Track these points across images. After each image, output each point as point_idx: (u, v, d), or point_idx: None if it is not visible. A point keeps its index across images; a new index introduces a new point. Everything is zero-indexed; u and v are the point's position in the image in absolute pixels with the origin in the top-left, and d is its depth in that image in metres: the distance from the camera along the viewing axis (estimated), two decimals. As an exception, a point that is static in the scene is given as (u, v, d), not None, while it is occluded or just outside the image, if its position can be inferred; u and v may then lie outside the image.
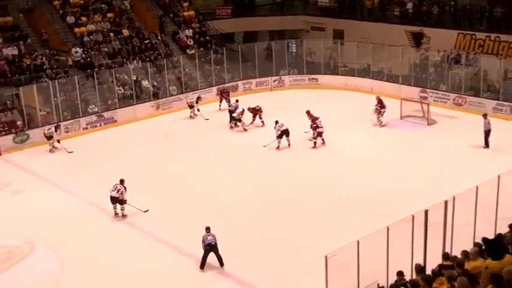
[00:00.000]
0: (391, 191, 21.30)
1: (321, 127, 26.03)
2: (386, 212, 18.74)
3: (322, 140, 26.19)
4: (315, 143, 26.09)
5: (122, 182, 20.23)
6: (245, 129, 28.87)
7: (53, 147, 27.37)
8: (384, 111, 28.69)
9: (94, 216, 20.69)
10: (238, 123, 29.17)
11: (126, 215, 20.26)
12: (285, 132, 26.11)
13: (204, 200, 21.41)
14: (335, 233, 18.02)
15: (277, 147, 26.16)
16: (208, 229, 16.99)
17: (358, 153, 25.24)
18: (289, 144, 26.30)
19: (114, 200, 20.16)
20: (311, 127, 26.56)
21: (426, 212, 13.77)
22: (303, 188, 22.03)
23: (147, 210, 20.46)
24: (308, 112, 27.17)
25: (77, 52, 33.12)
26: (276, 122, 26.38)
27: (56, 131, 27.46)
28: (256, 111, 29.40)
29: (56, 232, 19.57)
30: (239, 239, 18.37)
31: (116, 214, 20.30)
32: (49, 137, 27.26)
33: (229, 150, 26.58)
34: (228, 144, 27.34)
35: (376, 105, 28.83)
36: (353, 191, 21.63)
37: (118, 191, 20.00)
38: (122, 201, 20.16)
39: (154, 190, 22.41)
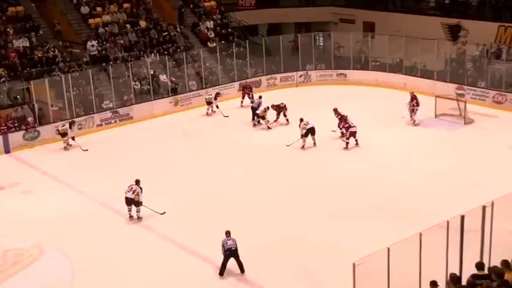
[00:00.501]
0: (425, 195, 21.11)
1: (354, 126, 25.70)
2: (418, 217, 18.58)
3: (356, 140, 25.89)
4: (347, 143, 25.79)
5: (137, 182, 20.22)
6: (269, 127, 28.78)
7: (68, 144, 27.51)
8: (417, 109, 28.44)
9: (107, 219, 20.73)
10: (261, 121, 29.10)
11: (141, 218, 20.25)
12: (311, 131, 25.97)
13: (224, 202, 21.39)
14: (363, 239, 17.89)
15: (302, 147, 26.04)
16: (228, 233, 16.91)
17: (389, 154, 25.06)
18: (314, 144, 26.17)
19: (129, 202, 20.14)
20: (339, 126, 26.39)
21: (462, 217, 13.57)
22: (329, 191, 21.91)
23: (164, 213, 20.45)
24: (335, 110, 27.02)
25: (93, 46, 33.26)
26: (301, 120, 26.24)
27: (70, 127, 27.56)
28: (280, 109, 29.30)
29: (67, 235, 19.60)
30: (261, 244, 18.28)
31: (131, 217, 20.30)
32: (63, 134, 27.39)
33: (251, 149, 26.52)
34: (250, 143, 27.28)
35: (410, 102, 28.55)
36: (383, 194, 21.47)
37: (133, 192, 19.98)
38: (138, 203, 20.14)
39: (171, 191, 22.41)
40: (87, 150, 27.19)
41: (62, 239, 19.27)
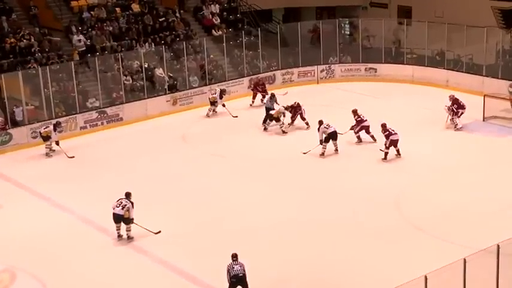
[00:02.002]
0: (470, 213, 21.06)
1: (395, 133, 25.39)
2: (462, 240, 18.57)
3: (397, 151, 25.58)
4: (386, 154, 25.51)
5: (128, 196, 20.24)
6: (284, 132, 28.83)
7: (50, 149, 27.60)
8: (462, 113, 28.34)
9: (92, 239, 20.74)
10: (275, 123, 29.10)
11: (132, 238, 20.29)
12: (332, 136, 25.98)
13: (230, 220, 21.41)
14: (397, 264, 17.91)
15: (322, 154, 26.07)
16: (235, 256, 16.90)
17: (427, 164, 25.03)
18: (336, 150, 26.23)
19: (118, 219, 20.13)
20: (353, 129, 26.31)
21: (515, 240, 13.59)
22: (356, 207, 21.91)
23: (159, 232, 20.47)
24: (355, 112, 27.06)
25: (80, 41, 33.24)
26: (320, 123, 26.23)
27: (54, 130, 27.56)
28: (296, 110, 29.27)
29: (43, 258, 19.61)
30: (273, 270, 18.29)
31: (120, 236, 20.33)
32: (46, 138, 27.46)
33: (262, 157, 26.54)
34: (261, 151, 27.30)
35: (450, 106, 28.39)
36: (419, 212, 21.42)
37: (123, 208, 19.96)
38: (128, 220, 20.14)
39: (168, 207, 22.46)
40: (73, 157, 27.30)
41: (37, 263, 19.27)
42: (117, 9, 35.91)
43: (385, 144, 25.58)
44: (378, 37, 37.42)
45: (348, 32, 40.67)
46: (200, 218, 21.61)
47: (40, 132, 27.83)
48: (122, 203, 19.99)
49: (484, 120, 29.14)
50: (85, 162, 26.90)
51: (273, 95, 30.64)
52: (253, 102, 32.98)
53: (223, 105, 31.52)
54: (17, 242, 20.68)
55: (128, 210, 19.95)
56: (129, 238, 20.29)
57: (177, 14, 37.03)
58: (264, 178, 24.68)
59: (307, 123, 29.10)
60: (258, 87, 33.15)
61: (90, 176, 25.38)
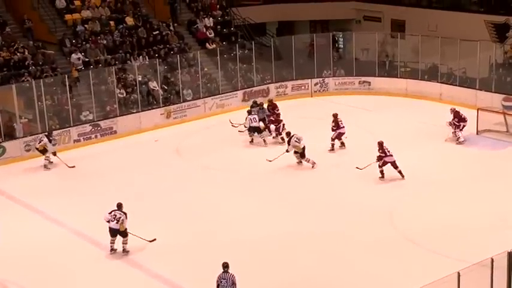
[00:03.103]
0: (464, 227, 21.03)
1: (390, 155, 24.96)
2: (457, 254, 18.58)
3: (399, 172, 25.05)
4: (382, 172, 25.20)
5: (120, 207, 20.06)
6: (265, 142, 29.16)
7: (49, 162, 27.53)
8: (464, 126, 28.28)
9: (85, 252, 20.68)
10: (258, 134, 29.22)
11: (127, 251, 20.19)
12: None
13: (224, 233, 21.36)
14: (391, 278, 17.92)
15: (299, 162, 26.53)
16: (226, 266, 16.60)
17: (421, 178, 25.04)
18: (300, 162, 26.54)
19: (115, 232, 19.95)
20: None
21: (510, 254, 13.58)
22: (350, 221, 21.89)
23: (154, 240, 20.43)
24: (335, 116, 27.67)
25: (79, 59, 33.15)
26: (288, 135, 26.57)
27: (50, 141, 27.43)
28: (279, 122, 29.45)
29: (36, 271, 19.55)
30: (265, 282, 18.29)
31: (113, 250, 20.21)
32: (43, 151, 27.37)
33: (256, 170, 26.52)
34: (255, 163, 27.24)
35: (452, 120, 28.34)
36: (415, 226, 21.42)
37: (118, 221, 19.81)
38: (125, 233, 19.99)
39: (162, 220, 22.41)
40: (73, 166, 27.37)
41: (29, 276, 19.22)
42: (111, 22, 35.94)
43: (379, 164, 25.22)
44: (371, 51, 37.50)
45: (342, 46, 40.75)
46: (193, 231, 21.58)
47: (36, 147, 27.69)
48: (115, 216, 19.82)
49: (477, 133, 29.15)
50: (79, 176, 26.84)
51: (262, 106, 30.68)
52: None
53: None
54: (10, 255, 20.60)
55: (122, 222, 19.83)
56: (125, 251, 20.19)
57: (171, 28, 37.07)
58: (257, 191, 24.68)
59: (282, 138, 28.73)
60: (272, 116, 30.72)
61: (84, 189, 25.32)
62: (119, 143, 30.62)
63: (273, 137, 29.45)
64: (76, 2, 36.18)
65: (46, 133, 28.10)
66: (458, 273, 13.37)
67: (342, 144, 27.97)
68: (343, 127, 27.70)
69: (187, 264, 19.61)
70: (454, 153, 27.69)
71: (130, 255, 20.18)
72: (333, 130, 27.69)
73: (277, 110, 30.34)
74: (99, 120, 31.12)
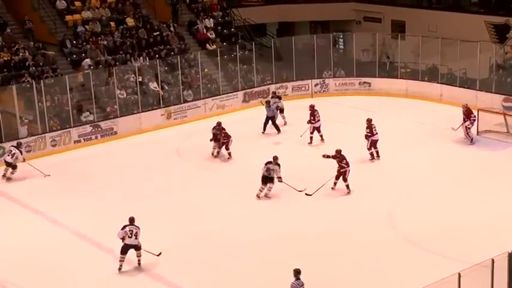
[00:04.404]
0: (464, 228, 21.03)
1: (376, 133, 25.72)
2: (457, 254, 18.57)
3: (377, 152, 25.87)
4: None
5: (132, 221, 19.25)
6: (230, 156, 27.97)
7: (8, 176, 26.56)
8: (474, 120, 28.18)
9: (85, 253, 20.67)
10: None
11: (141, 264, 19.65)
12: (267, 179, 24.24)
13: (223, 234, 21.37)
14: (391, 279, 17.91)
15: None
16: (298, 273, 16.09)
17: (422, 178, 25.01)
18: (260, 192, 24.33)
19: (128, 249, 19.14)
20: (365, 133, 26.19)
21: (510, 255, 13.55)
22: (350, 221, 21.90)
23: (160, 254, 19.86)
24: (369, 121, 26.66)
25: (90, 66, 32.84)
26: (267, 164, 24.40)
27: (21, 153, 26.57)
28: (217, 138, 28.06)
29: (35, 273, 19.52)
30: (265, 283, 18.28)
31: (121, 268, 19.35)
32: (14, 166, 26.46)
33: (256, 171, 26.38)
34: (255, 164, 27.03)
35: (470, 118, 28.13)
36: (415, 226, 21.40)
37: (136, 236, 18.96)
38: (140, 247, 19.33)
39: (162, 221, 22.37)
40: (49, 175, 26.63)
41: (29, 278, 19.19)
42: (111, 23, 35.91)
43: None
44: (371, 51, 37.51)
45: (342, 46, 40.74)
46: (193, 232, 21.55)
47: (8, 161, 26.42)
48: (132, 231, 18.97)
49: (478, 134, 29.09)
50: (79, 176, 26.76)
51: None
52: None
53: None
54: (9, 256, 20.58)
55: (136, 235, 19.09)
56: (140, 264, 19.47)
57: (172, 28, 37.03)
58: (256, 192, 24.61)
59: (229, 154, 27.91)
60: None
61: (84, 190, 25.26)
62: (119, 144, 30.58)
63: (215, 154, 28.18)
64: (76, 3, 36.15)
65: (15, 145, 26.93)
66: (459, 274, 13.34)
67: (377, 153, 26.71)
68: (377, 133, 26.52)
69: (187, 265, 19.58)
70: (454, 153, 27.67)
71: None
72: (366, 138, 26.60)
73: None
74: (99, 121, 31.09)
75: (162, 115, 32.75)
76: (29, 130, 29.50)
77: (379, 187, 24.54)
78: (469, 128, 28.23)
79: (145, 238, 20.06)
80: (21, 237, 21.87)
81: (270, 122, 30.34)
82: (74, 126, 30.40)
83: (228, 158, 27.78)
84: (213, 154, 28.02)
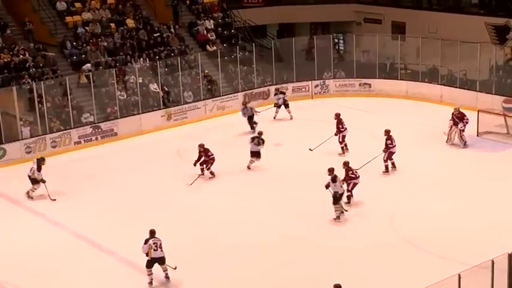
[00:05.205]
0: (464, 229, 21.01)
1: (394, 145, 25.42)
2: (457, 256, 18.55)
3: (392, 164, 25.68)
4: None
5: (153, 233, 18.66)
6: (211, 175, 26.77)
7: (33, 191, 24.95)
8: (467, 122, 27.94)
9: (86, 254, 20.67)
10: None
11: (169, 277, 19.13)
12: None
13: (225, 236, 21.33)
14: (391, 280, 17.89)
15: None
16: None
17: (422, 180, 25.01)
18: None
19: (154, 262, 18.60)
20: (385, 144, 25.81)
21: (510, 256, 13.53)
22: (350, 223, 21.87)
23: (175, 268, 19.06)
24: (388, 132, 26.03)
25: (90, 71, 32.68)
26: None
27: (39, 170, 24.65)
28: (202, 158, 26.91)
29: (36, 275, 19.48)
30: (267, 285, 18.28)
31: (151, 283, 18.74)
32: (33, 181, 24.91)
33: (257, 173, 26.47)
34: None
35: (463, 121, 27.92)
36: (415, 228, 21.38)
37: (161, 248, 18.42)
38: (164, 260, 18.71)
39: (163, 222, 22.26)
40: (55, 200, 25.11)
41: (29, 279, 19.15)
42: (111, 24, 35.92)
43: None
44: (372, 53, 37.46)
45: (342, 48, 40.74)
46: (194, 234, 21.56)
47: (29, 175, 24.93)
48: (156, 244, 18.42)
49: (478, 135, 29.10)
50: (79, 178, 26.76)
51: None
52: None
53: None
54: (10, 257, 20.57)
55: (162, 247, 18.58)
56: (168, 278, 18.88)
57: (172, 30, 37.04)
58: (258, 193, 24.63)
59: (212, 173, 26.58)
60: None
61: (84, 192, 25.24)
62: (120, 145, 30.56)
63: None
64: (77, 4, 36.18)
65: (38, 159, 25.22)
66: (459, 275, 13.32)
67: (393, 165, 26.04)
68: (395, 146, 25.72)
69: (187, 266, 19.54)
70: (455, 155, 27.65)
71: (128, 256, 20.06)
72: (385, 150, 25.72)
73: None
74: (99, 122, 31.09)
75: (162, 116, 32.74)
76: (32, 131, 29.46)
77: (379, 188, 24.51)
78: (463, 131, 28.14)
79: (145, 237, 20.14)
80: (21, 239, 21.84)
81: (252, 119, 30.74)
82: (74, 128, 30.39)
83: (210, 178, 26.50)
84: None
